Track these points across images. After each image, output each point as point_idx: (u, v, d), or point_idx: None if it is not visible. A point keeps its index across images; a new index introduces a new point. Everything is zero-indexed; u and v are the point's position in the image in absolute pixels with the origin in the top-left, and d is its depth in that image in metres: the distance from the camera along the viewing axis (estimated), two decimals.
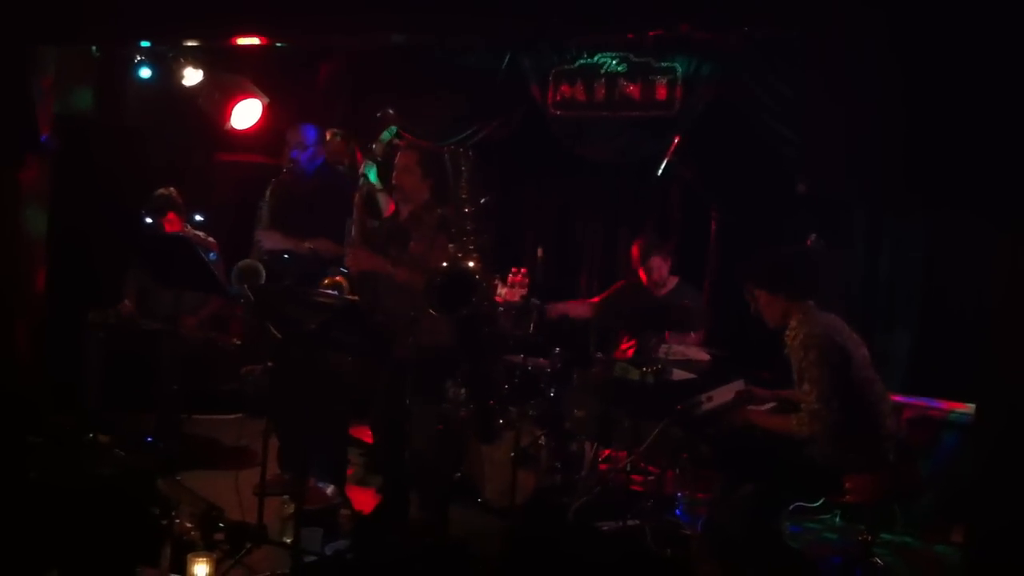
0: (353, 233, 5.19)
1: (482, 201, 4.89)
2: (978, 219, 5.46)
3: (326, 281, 5.45)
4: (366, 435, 6.06)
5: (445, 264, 4.75)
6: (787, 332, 4.56)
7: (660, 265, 6.22)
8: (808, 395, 4.36)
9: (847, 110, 4.55)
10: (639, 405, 5.22)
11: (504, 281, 6.16)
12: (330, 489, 5.60)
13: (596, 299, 6.54)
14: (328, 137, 6.84)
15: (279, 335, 4.71)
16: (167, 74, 7.59)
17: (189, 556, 4.06)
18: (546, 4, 5.09)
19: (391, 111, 5.88)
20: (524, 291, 6.08)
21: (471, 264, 4.72)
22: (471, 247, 4.76)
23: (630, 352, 6.10)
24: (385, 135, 5.45)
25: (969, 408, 5.44)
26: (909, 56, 4.34)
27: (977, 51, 4.13)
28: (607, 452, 6.08)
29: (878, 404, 4.49)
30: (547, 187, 7.62)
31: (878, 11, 4.41)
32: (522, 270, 6.21)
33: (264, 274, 5.94)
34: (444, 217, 4.97)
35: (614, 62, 6.64)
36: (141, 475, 4.80)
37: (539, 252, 5.42)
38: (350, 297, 4.76)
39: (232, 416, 7.10)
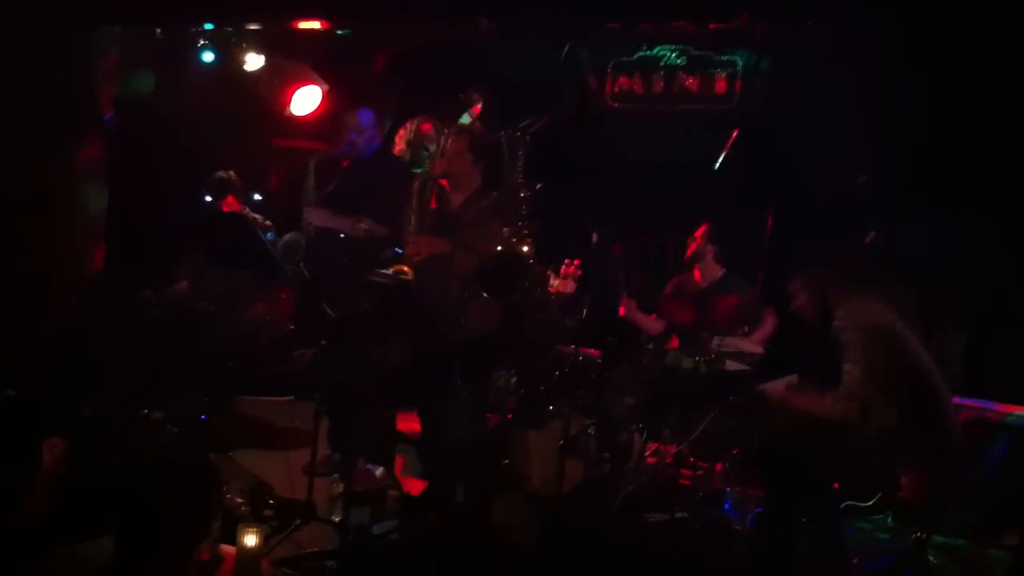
0: (412, 221, 5.19)
1: (537, 187, 4.87)
2: None
3: (391, 270, 5.44)
4: (415, 425, 6.08)
5: (499, 248, 4.75)
6: (835, 323, 4.52)
7: (711, 254, 6.19)
8: (848, 373, 4.33)
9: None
10: (690, 394, 5.19)
11: (557, 272, 6.15)
12: (379, 471, 5.63)
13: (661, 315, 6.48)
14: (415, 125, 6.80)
15: (332, 314, 4.73)
16: (229, 59, 7.67)
17: (239, 527, 4.11)
18: None
19: (475, 93, 5.78)
20: (576, 283, 6.05)
21: (524, 249, 4.72)
22: (525, 232, 4.76)
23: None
24: (464, 118, 5.43)
25: None
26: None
27: None
28: (655, 446, 6.05)
29: (937, 400, 4.44)
30: (600, 181, 7.56)
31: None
32: (575, 261, 6.18)
33: (303, 249, 5.95)
34: (498, 201, 4.97)
35: (673, 55, 6.63)
36: (192, 448, 4.83)
37: (594, 237, 5.39)
38: (404, 277, 4.76)
39: (283, 399, 7.16)
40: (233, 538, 4.19)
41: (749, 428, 5.08)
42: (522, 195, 4.82)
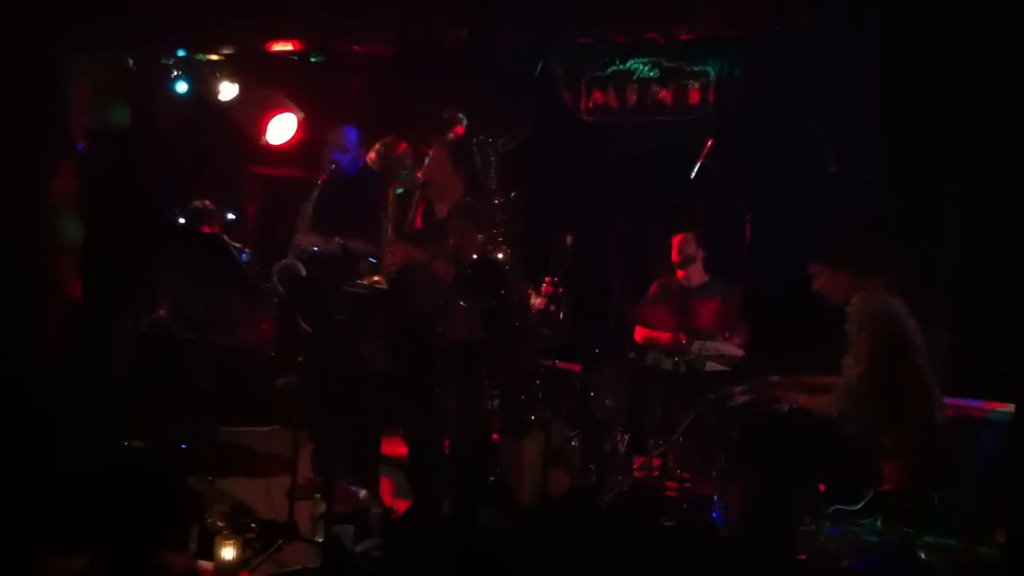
0: (389, 232, 5.18)
1: (512, 194, 4.86)
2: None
3: (365, 281, 5.42)
4: (400, 449, 6.03)
5: (474, 256, 4.73)
6: (847, 308, 4.50)
7: (700, 258, 6.17)
8: (850, 369, 4.31)
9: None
10: (671, 393, 5.16)
11: (537, 291, 6.12)
12: (362, 493, 5.57)
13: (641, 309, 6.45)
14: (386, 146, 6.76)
15: (308, 328, 4.69)
16: (202, 88, 7.68)
17: (217, 539, 4.04)
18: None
19: (456, 112, 5.76)
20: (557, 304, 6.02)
21: (500, 255, 4.70)
22: (500, 238, 4.74)
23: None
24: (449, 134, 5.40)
25: (1009, 407, 5.34)
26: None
27: None
28: (641, 459, 6.01)
29: (930, 394, 4.42)
30: (576, 186, 7.55)
31: None
32: (556, 279, 6.16)
33: (303, 273, 5.92)
34: (473, 207, 4.96)
35: (646, 67, 6.64)
36: (171, 468, 4.78)
37: (568, 239, 5.37)
38: (379, 286, 4.74)
39: (265, 428, 7.09)
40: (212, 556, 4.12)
41: (731, 428, 5.05)
42: (496, 201, 4.80)
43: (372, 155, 5.74)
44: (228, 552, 3.97)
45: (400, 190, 5.36)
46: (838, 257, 4.59)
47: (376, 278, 4.86)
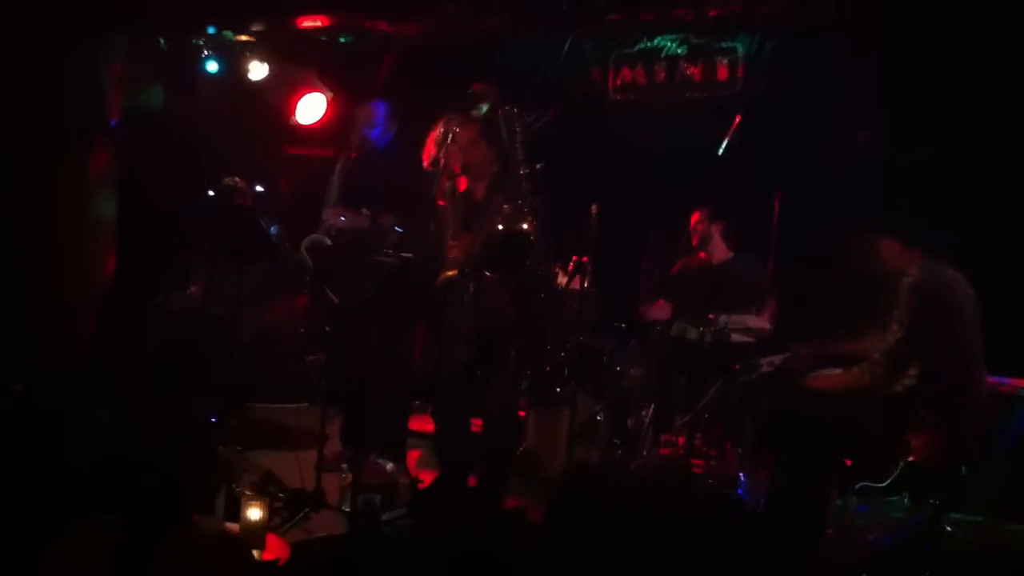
0: (451, 224, 5.15)
1: (538, 166, 4.86)
2: None
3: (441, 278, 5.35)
4: (428, 424, 6.07)
5: (500, 226, 4.73)
6: (904, 279, 4.50)
7: (716, 233, 6.16)
8: (892, 335, 4.31)
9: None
10: (696, 364, 5.16)
11: (564, 270, 6.12)
12: (390, 465, 5.61)
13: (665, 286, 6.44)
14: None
15: (336, 300, 4.72)
16: (234, 69, 7.73)
17: (243, 500, 4.09)
18: None
19: (486, 85, 5.73)
20: (587, 278, 6.03)
21: (525, 226, 4.70)
22: (526, 209, 4.74)
23: None
24: (483, 108, 5.38)
25: None
26: None
27: None
28: (667, 437, 6.01)
29: (971, 370, 4.41)
30: (603, 169, 7.54)
31: None
32: (583, 259, 6.15)
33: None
34: (496, 176, 4.96)
35: (674, 44, 6.62)
36: (199, 438, 4.84)
37: (593, 209, 5.35)
38: (405, 255, 4.75)
39: (294, 405, 7.14)
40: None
41: (757, 401, 5.04)
42: (522, 172, 4.79)
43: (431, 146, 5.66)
44: (254, 512, 4.01)
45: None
46: (909, 229, 4.59)
47: (450, 273, 4.85)
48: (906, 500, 5.44)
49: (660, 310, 6.23)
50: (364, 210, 5.73)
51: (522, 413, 5.78)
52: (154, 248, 7.01)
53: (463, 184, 5.19)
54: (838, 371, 4.66)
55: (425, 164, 5.17)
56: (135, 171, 6.97)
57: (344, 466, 5.46)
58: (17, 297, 6.12)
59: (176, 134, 7.40)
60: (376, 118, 6.11)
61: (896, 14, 5.75)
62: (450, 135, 5.05)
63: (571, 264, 6.07)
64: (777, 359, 4.78)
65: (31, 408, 4.92)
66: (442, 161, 5.03)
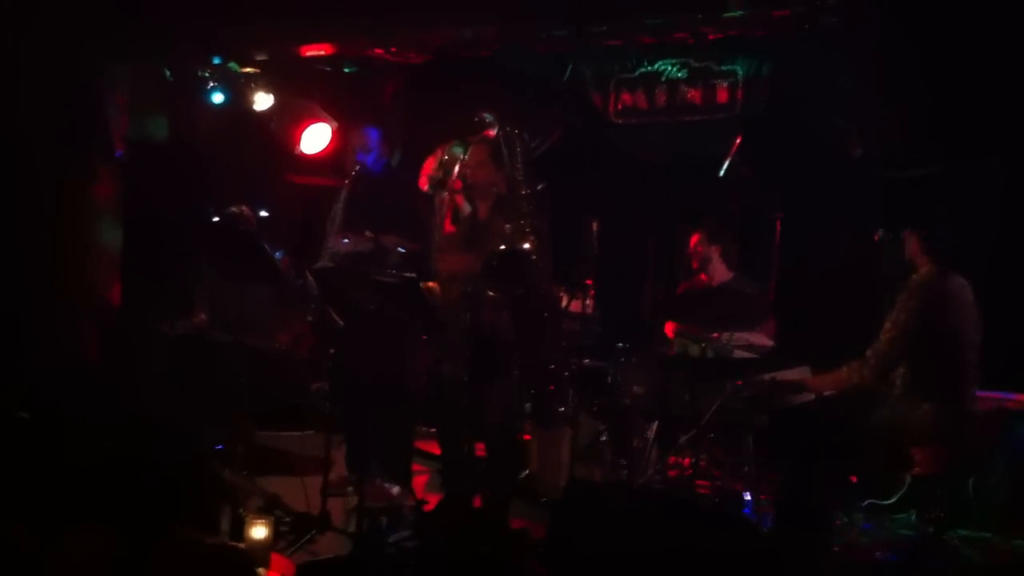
0: (436, 237, 5.22)
1: (539, 186, 4.90)
2: None
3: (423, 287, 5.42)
4: (435, 448, 6.08)
5: (501, 246, 4.77)
6: (912, 276, 4.57)
7: (716, 255, 6.19)
8: (884, 333, 4.35)
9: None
10: (698, 379, 5.18)
11: (567, 291, 6.15)
12: (395, 489, 5.62)
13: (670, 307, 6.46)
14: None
15: (340, 321, 4.75)
16: (239, 99, 7.82)
17: (248, 519, 4.09)
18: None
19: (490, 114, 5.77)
20: (589, 301, 6.06)
21: (527, 245, 4.73)
22: (527, 229, 4.77)
23: None
24: (488, 131, 5.41)
25: None
26: None
27: None
28: (673, 459, 6.01)
29: (961, 377, 4.44)
30: (604, 186, 7.59)
31: None
32: (587, 282, 6.18)
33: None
34: (500, 197, 5.00)
35: (674, 68, 6.68)
36: (204, 461, 4.86)
37: (593, 226, 5.39)
38: (408, 275, 4.79)
39: (300, 432, 7.15)
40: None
41: (760, 418, 5.05)
42: (523, 192, 4.84)
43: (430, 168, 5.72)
44: (259, 531, 4.01)
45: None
46: (931, 235, 4.65)
47: (431, 284, 4.90)
48: (912, 517, 5.45)
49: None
50: (368, 233, 5.77)
51: (527, 436, 5.80)
52: (159, 273, 7.07)
53: (461, 202, 5.25)
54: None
55: (423, 186, 5.22)
56: (140, 198, 7.03)
57: (349, 489, 5.46)
58: (19, 302, 6.15)
59: (181, 163, 7.48)
60: (370, 143, 6.16)
61: (898, 27, 5.80)
62: (456, 157, 5.12)
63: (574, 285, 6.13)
64: (781, 375, 4.78)
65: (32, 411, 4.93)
66: (448, 182, 5.08)
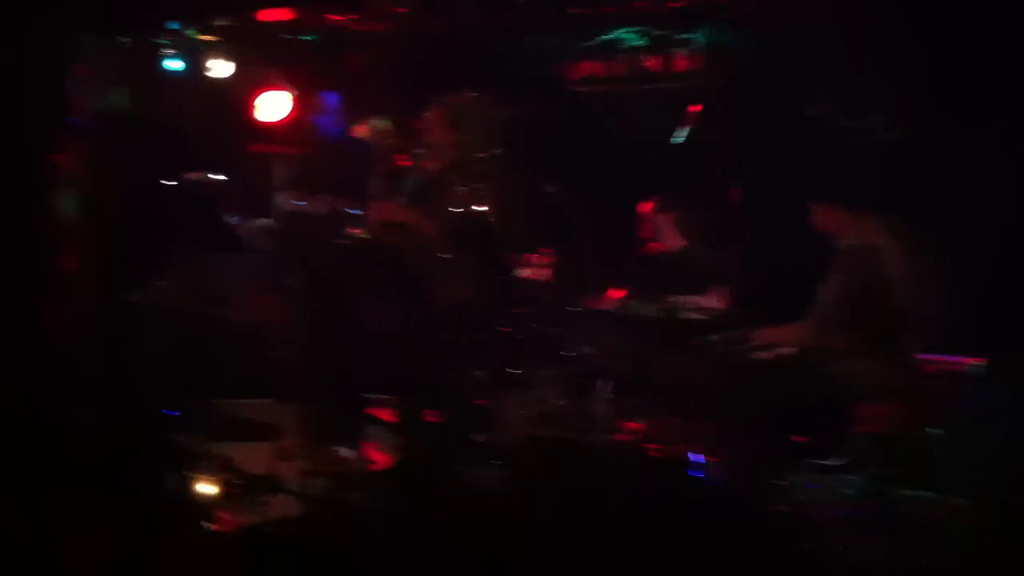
0: (374, 188, 5.24)
1: (496, 151, 4.92)
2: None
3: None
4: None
5: (459, 209, 4.78)
6: (842, 242, 4.59)
7: (669, 223, 6.21)
8: (826, 297, 4.40)
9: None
10: (650, 341, 5.22)
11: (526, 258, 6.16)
12: (348, 453, 5.64)
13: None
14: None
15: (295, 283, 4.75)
16: (198, 67, 7.77)
17: (197, 477, 4.11)
18: None
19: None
20: (548, 272, 6.06)
21: (483, 209, 4.75)
22: (483, 193, 4.79)
23: None
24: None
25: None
26: None
27: None
28: (625, 423, 6.03)
29: (902, 334, 4.50)
30: (562, 155, 7.58)
31: None
32: (543, 248, 6.19)
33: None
34: (456, 160, 5.01)
35: (635, 36, 6.68)
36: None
37: (551, 192, 5.40)
38: (363, 236, 4.80)
39: (261, 400, 7.15)
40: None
41: (710, 379, 5.09)
42: (480, 156, 4.85)
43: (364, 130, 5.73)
44: (203, 488, 4.02)
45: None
46: (837, 195, 4.69)
47: (357, 231, 4.91)
48: (858, 478, 5.52)
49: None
50: (325, 196, 5.76)
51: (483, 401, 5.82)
52: (122, 243, 7.02)
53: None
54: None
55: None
56: (102, 171, 6.98)
57: (302, 454, 5.48)
58: None
59: (141, 131, 7.43)
60: (326, 108, 6.16)
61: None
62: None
63: (536, 256, 6.15)
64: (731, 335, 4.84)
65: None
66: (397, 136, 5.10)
